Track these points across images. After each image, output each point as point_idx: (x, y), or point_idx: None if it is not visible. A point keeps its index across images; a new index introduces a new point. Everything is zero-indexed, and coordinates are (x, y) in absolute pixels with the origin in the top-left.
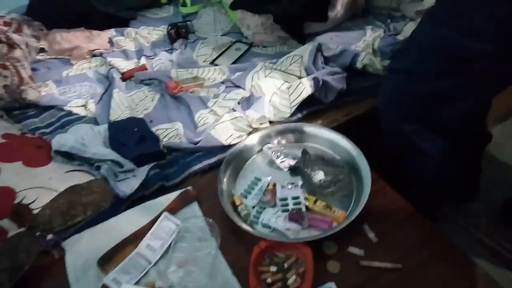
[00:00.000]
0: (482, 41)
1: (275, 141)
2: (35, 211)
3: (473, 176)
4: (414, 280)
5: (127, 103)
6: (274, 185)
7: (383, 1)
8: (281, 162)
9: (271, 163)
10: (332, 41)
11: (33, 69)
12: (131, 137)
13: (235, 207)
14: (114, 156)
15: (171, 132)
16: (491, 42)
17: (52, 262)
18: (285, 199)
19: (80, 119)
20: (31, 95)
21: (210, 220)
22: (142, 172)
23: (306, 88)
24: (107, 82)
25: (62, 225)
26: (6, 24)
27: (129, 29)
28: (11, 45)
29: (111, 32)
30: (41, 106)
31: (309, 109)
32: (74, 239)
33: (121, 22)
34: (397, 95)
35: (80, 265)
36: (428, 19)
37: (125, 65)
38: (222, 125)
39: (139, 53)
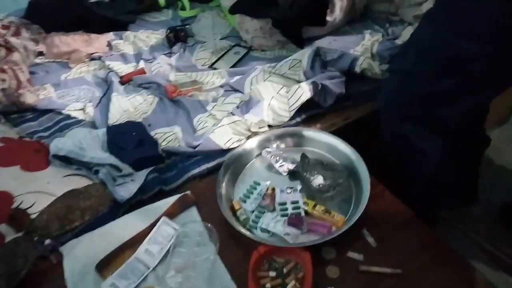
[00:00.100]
0: (481, 42)
1: (274, 145)
2: (33, 216)
3: (472, 178)
4: (414, 284)
5: (126, 106)
6: (273, 189)
7: (381, 5)
8: (280, 166)
9: (270, 167)
10: (331, 45)
11: (31, 73)
12: (129, 141)
13: (234, 211)
14: (113, 160)
15: (169, 136)
16: (490, 43)
17: (49, 267)
18: (284, 203)
19: (78, 123)
20: (29, 98)
21: (209, 224)
22: (141, 176)
23: (305, 92)
24: (106, 85)
25: (60, 229)
26: (5, 27)
27: (127, 33)
28: (9, 49)
29: (110, 35)
30: (39, 110)
31: (308, 113)
32: (72, 244)
33: (120, 25)
34: (397, 95)
35: (78, 270)
36: (426, 22)
37: (124, 68)
38: (221, 129)
39: (138, 56)
